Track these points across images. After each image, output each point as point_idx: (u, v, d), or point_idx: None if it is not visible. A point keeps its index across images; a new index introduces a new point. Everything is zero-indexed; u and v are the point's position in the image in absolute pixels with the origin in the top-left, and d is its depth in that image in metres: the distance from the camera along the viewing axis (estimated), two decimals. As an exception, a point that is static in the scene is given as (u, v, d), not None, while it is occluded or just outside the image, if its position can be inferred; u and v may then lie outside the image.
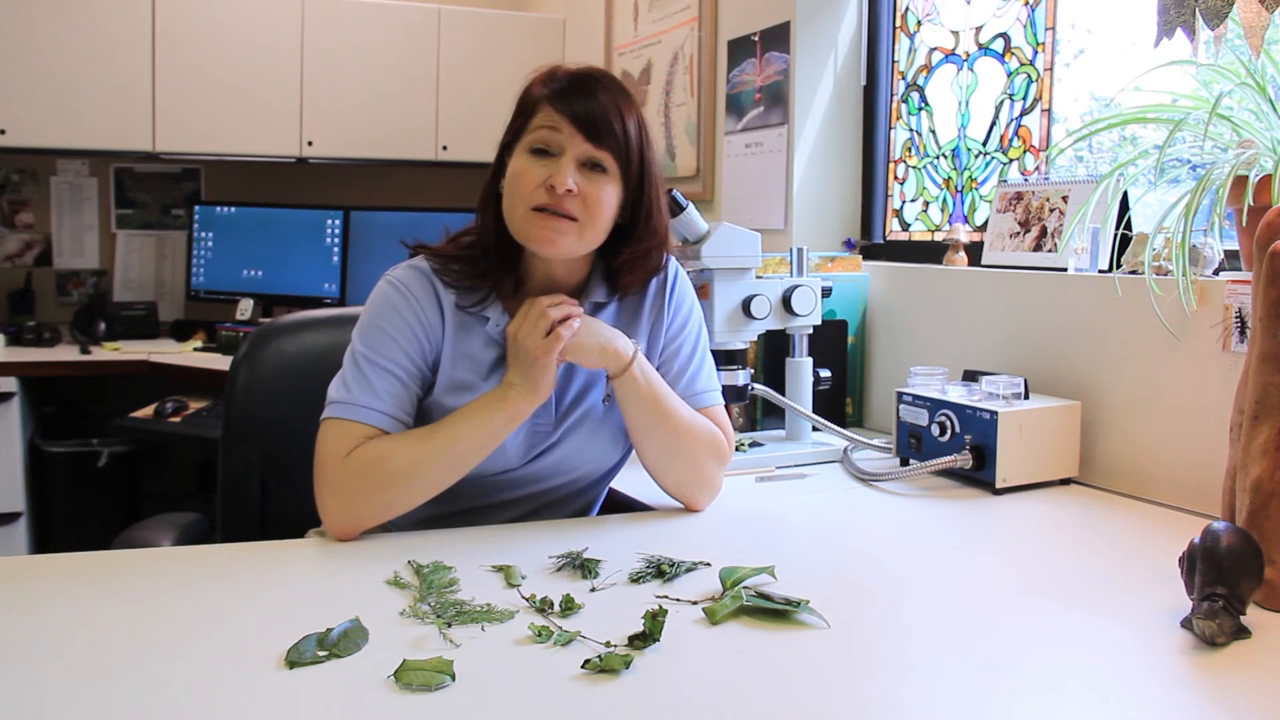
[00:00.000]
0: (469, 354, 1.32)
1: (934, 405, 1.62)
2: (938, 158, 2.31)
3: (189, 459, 3.47)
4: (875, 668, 0.93)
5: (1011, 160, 2.10)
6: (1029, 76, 2.05)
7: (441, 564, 1.14)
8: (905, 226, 2.41)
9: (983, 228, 2.11)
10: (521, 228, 1.27)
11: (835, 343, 2.04)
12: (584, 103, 1.25)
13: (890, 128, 2.45)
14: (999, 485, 1.52)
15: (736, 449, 1.71)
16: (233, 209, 3.55)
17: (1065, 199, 1.77)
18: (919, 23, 2.34)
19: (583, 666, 0.88)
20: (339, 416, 1.26)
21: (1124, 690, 0.88)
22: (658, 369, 1.42)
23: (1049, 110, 2.02)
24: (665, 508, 1.43)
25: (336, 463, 1.23)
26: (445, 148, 3.54)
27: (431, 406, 1.31)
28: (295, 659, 0.89)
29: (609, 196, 1.27)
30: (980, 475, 1.54)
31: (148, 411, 2.97)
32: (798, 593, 1.03)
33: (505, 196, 1.29)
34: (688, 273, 1.73)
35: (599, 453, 1.38)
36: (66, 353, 3.14)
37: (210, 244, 3.54)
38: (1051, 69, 2.01)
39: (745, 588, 1.05)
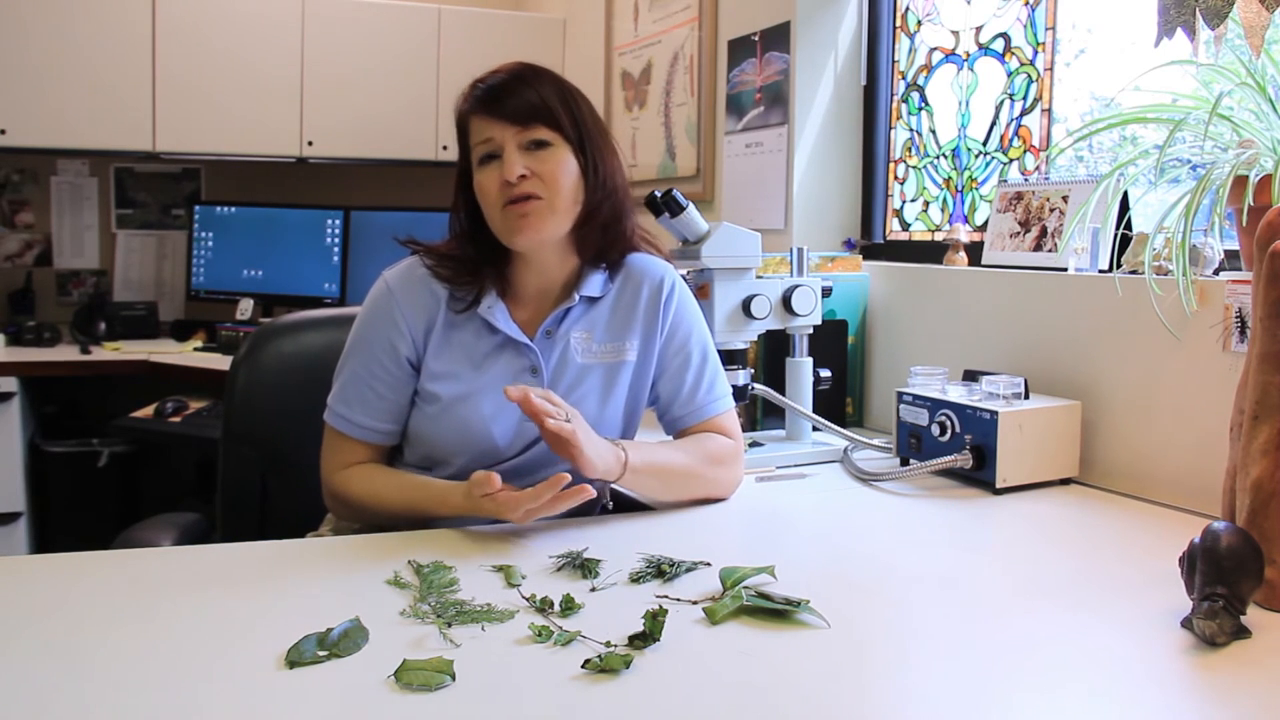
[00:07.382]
0: (461, 342, 1.37)
1: (934, 405, 1.62)
2: (938, 158, 2.30)
3: (189, 459, 3.47)
4: (875, 668, 0.93)
5: (1011, 160, 2.10)
6: (1029, 76, 2.05)
7: (441, 564, 1.14)
8: (905, 226, 2.41)
9: (983, 228, 2.11)
10: (502, 230, 1.33)
11: (835, 343, 2.04)
12: (500, 99, 1.32)
13: (890, 128, 2.45)
14: (999, 485, 1.52)
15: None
16: (233, 209, 3.55)
17: (1065, 199, 1.77)
18: (919, 23, 2.34)
19: (583, 666, 0.88)
20: (335, 427, 1.38)
21: (1124, 690, 0.88)
22: (663, 379, 1.45)
23: (1049, 110, 2.01)
24: (665, 507, 1.43)
25: (332, 475, 1.38)
26: (445, 148, 3.54)
27: (421, 391, 1.37)
28: (295, 659, 0.89)
29: (564, 165, 1.32)
30: (980, 475, 1.54)
31: (148, 411, 2.97)
32: (798, 593, 1.03)
33: (485, 213, 1.35)
34: (689, 273, 1.74)
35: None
36: (66, 353, 3.14)
37: (210, 244, 3.54)
38: (1052, 69, 2.01)
39: (745, 588, 1.05)
